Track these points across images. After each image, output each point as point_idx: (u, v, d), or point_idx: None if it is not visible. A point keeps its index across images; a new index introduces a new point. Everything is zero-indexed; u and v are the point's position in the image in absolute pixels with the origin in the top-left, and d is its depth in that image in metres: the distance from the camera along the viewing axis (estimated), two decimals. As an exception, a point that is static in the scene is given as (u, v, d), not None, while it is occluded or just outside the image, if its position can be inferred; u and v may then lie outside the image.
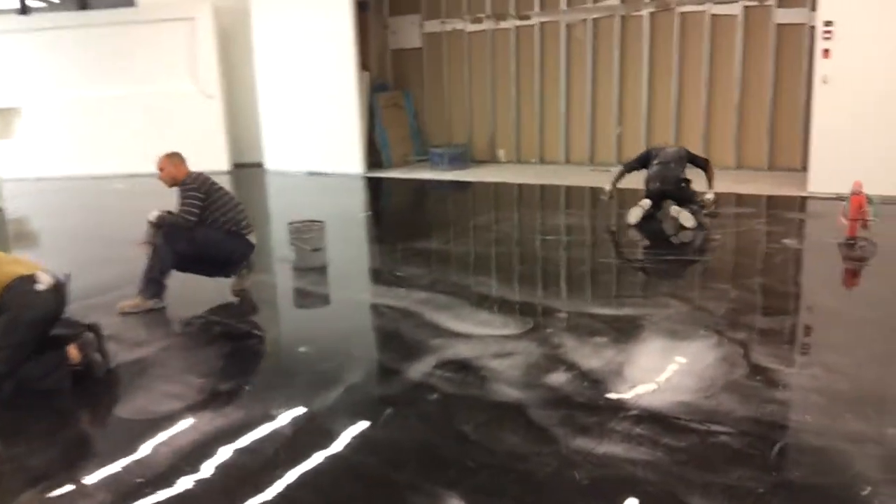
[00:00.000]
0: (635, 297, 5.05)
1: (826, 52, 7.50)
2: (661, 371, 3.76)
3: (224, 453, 3.10)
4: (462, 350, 4.12)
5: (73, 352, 3.86)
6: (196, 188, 5.08)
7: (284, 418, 3.40)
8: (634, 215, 7.00)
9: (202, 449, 3.16)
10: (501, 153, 11.99)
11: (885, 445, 2.90)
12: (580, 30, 10.82)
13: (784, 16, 9.26)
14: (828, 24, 7.44)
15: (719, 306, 4.71)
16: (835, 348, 3.94)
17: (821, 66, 7.60)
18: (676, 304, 4.77)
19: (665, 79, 10.28)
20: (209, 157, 12.14)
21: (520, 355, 4.01)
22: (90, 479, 3.02)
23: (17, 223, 9.65)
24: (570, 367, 3.83)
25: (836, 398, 3.38)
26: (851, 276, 5.59)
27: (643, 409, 3.33)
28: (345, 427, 3.29)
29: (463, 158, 11.54)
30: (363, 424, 3.30)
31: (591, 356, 3.94)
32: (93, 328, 3.99)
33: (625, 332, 4.32)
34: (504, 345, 4.19)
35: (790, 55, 9.30)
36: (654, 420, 3.22)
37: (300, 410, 3.48)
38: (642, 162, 7.44)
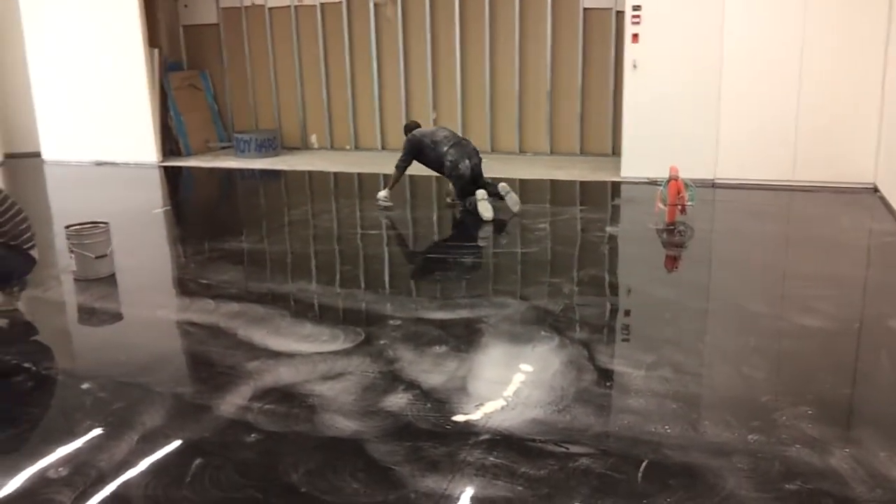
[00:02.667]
0: (469, 296, 4.72)
1: (635, 36, 7.60)
2: (508, 383, 3.44)
3: (-25, 547, 2.37)
4: (284, 374, 3.57)
5: None
6: None
7: (62, 483, 2.69)
8: (486, 208, 6.52)
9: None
10: (314, 139, 11.34)
11: (752, 456, 2.74)
12: (390, 9, 10.38)
13: (590, 0, 9.36)
14: (636, 8, 7.53)
15: (556, 303, 4.50)
16: (677, 345, 3.82)
17: (630, 51, 7.70)
18: (513, 303, 4.50)
19: (477, 64, 10.12)
20: (-31, 147, 10.51)
21: (352, 375, 3.53)
22: None
23: None
24: (410, 385, 3.41)
25: (692, 403, 3.21)
26: (676, 262, 5.62)
27: (494, 431, 2.98)
28: (143, 489, 2.66)
29: (272, 145, 10.76)
30: (166, 483, 2.68)
31: (432, 371, 3.55)
32: None
33: (464, 338, 3.97)
34: (333, 363, 3.68)
35: (598, 40, 9.44)
36: (508, 444, 2.88)
37: (85, 471, 2.77)
38: (415, 153, 7.00)
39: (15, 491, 2.69)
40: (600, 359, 3.67)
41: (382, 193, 7.16)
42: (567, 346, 3.82)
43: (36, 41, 10.63)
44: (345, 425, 3.07)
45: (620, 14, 8.58)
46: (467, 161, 6.77)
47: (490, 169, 8.94)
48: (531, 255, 5.68)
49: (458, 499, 2.55)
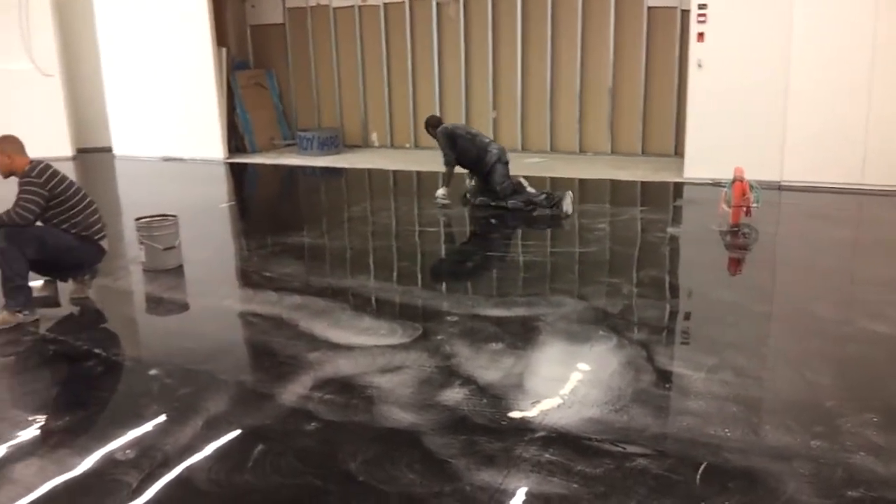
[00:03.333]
0: (526, 294, 4.72)
1: (700, 35, 7.47)
2: (565, 381, 3.43)
3: (50, 521, 2.48)
4: (343, 365, 3.63)
5: None
6: (39, 184, 4.32)
7: (130, 465, 2.80)
8: (569, 204, 6.65)
9: (21, 516, 2.53)
10: (374, 137, 11.47)
11: (814, 461, 2.68)
12: (452, 8, 10.43)
13: None
14: (702, 6, 7.40)
15: (614, 303, 4.46)
16: (739, 348, 3.74)
17: (695, 50, 7.57)
18: (570, 302, 4.48)
19: (539, 62, 10.08)
20: (49, 142, 10.92)
21: (410, 369, 3.57)
22: None
23: None
24: (467, 381, 3.43)
25: (753, 407, 3.15)
26: (740, 265, 5.51)
27: (551, 428, 2.98)
28: (206, 473, 2.74)
29: (334, 143, 10.93)
30: (228, 467, 2.76)
31: (488, 367, 3.56)
32: None
33: (521, 335, 3.97)
34: (391, 357, 3.73)
35: (662, 39, 9.30)
36: (564, 442, 2.88)
37: (151, 453, 2.88)
38: (452, 144, 7.08)
39: (84, 471, 2.81)
40: (659, 360, 3.63)
41: (441, 192, 7.22)
42: (625, 347, 3.79)
43: (109, 41, 11.03)
44: (402, 417, 3.11)
45: (686, 13, 8.44)
46: (504, 157, 6.98)
47: (550, 168, 8.94)
48: (590, 254, 5.64)
49: (513, 494, 2.56)
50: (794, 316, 4.30)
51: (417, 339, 3.96)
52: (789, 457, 2.72)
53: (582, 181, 8.25)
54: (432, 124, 7.37)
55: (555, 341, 3.95)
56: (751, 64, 7.36)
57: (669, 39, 9.22)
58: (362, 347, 3.87)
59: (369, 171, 9.67)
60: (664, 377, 3.45)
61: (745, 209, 5.82)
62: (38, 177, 4.35)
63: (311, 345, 3.90)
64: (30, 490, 2.68)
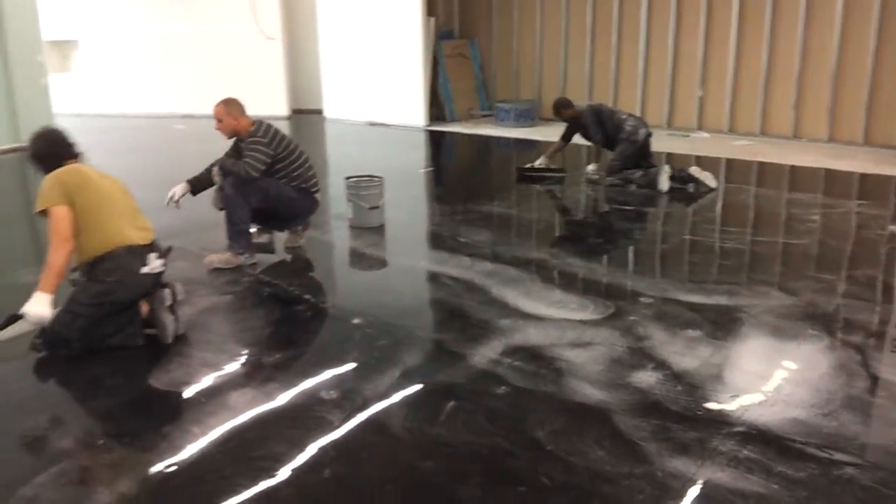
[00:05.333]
0: (729, 282, 4.49)
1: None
2: (768, 378, 3.23)
3: (257, 444, 2.71)
4: (533, 335, 3.66)
5: (143, 307, 3.58)
6: (266, 143, 4.67)
7: (332, 405, 3.00)
8: (665, 181, 6.65)
9: (233, 433, 2.78)
10: (571, 111, 11.31)
11: None
12: (666, -19, 10.01)
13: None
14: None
15: (827, 301, 4.14)
16: (973, 363, 3.35)
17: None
18: (778, 296, 4.21)
19: (755, 40, 9.45)
20: (267, 102, 11.80)
21: (600, 346, 3.53)
22: (103, 457, 2.70)
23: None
24: (661, 365, 3.33)
25: None
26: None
27: (750, 425, 2.83)
28: (401, 420, 2.88)
29: (531, 115, 10.93)
30: (422, 418, 2.88)
31: (684, 353, 3.44)
32: (169, 287, 3.64)
33: (721, 325, 3.79)
34: (581, 332, 3.71)
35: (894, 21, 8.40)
36: (765, 441, 2.72)
37: (352, 396, 3.07)
38: (600, 123, 6.99)
39: (292, 405, 3.04)
40: (876, 366, 3.33)
41: (591, 167, 7.35)
42: (838, 349, 3.51)
43: (327, 8, 11.65)
44: (591, 393, 3.08)
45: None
46: (643, 129, 6.92)
47: (759, 152, 8.41)
48: (798, 246, 5.25)
49: (707, 485, 2.46)
50: None
51: (609, 317, 3.90)
52: None
53: (794, 168, 7.68)
54: (563, 105, 7.27)
55: (758, 335, 3.73)
56: None
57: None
58: (552, 319, 3.87)
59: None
60: (881, 385, 3.16)
61: None
62: (264, 136, 4.69)
63: (502, 311, 3.95)
64: (242, 417, 2.94)
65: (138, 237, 3.59)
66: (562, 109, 7.25)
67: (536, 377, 3.22)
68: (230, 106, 4.73)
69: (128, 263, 3.49)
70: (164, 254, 3.70)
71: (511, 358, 3.40)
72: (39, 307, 3.31)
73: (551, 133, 10.16)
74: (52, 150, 3.70)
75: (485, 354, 3.44)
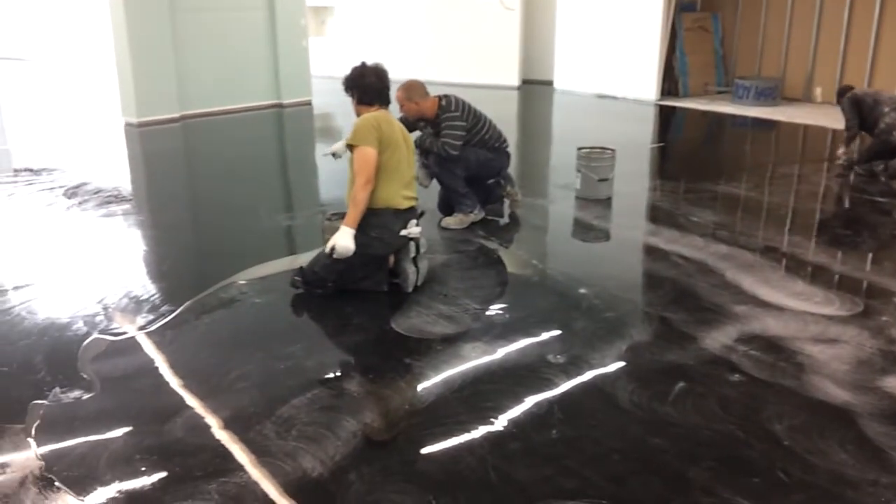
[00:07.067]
0: None
1: None
2: None
3: (489, 395, 2.84)
4: (772, 325, 3.48)
5: (390, 257, 3.89)
6: (458, 116, 4.81)
7: (558, 369, 3.07)
8: None
9: (466, 381, 2.94)
10: (818, 92, 10.45)
11: None
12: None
13: None
14: None
15: None
16: None
17: None
18: None
19: None
20: (500, 72, 12.05)
21: (846, 345, 3.29)
22: (350, 386, 2.96)
23: (322, 118, 10.26)
24: (918, 372, 3.05)
25: None
26: None
27: None
28: (628, 394, 2.89)
29: (772, 94, 10.22)
30: (650, 395, 2.87)
31: (948, 364, 3.12)
32: (412, 240, 3.91)
33: None
34: (826, 327, 3.47)
35: None
36: None
37: (578, 362, 3.12)
38: (856, 111, 6.47)
39: (519, 362, 3.15)
40: None
41: (841, 151, 6.79)
42: None
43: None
44: (835, 393, 2.90)
45: None
46: None
47: None
48: None
49: (969, 508, 2.25)
50: None
51: (857, 314, 3.62)
52: None
53: None
54: (840, 92, 6.78)
55: None
56: None
57: None
58: (793, 311, 3.66)
59: (806, 127, 8.88)
60: None
61: None
62: (456, 110, 4.80)
63: (737, 297, 3.80)
64: (474, 368, 3.09)
65: (406, 203, 3.86)
66: (839, 96, 6.79)
67: (774, 369, 3.08)
68: (410, 91, 4.79)
69: (391, 224, 3.78)
70: (418, 217, 3.94)
71: (747, 346, 3.27)
72: (345, 240, 3.64)
73: (794, 114, 9.48)
74: (380, 86, 3.94)
75: (717, 339, 3.33)
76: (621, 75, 10.91)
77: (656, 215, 5.48)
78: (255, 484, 2.35)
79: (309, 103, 10.75)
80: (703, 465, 2.45)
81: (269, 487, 2.34)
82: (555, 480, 2.39)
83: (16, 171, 6.72)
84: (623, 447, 2.57)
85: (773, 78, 10.59)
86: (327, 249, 3.68)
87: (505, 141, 5.13)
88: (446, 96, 4.88)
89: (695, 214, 5.26)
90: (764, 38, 10.91)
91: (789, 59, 10.67)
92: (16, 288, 4.01)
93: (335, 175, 5.82)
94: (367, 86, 3.91)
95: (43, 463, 2.47)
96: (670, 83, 10.96)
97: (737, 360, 3.14)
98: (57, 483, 2.37)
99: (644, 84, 10.62)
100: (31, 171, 6.77)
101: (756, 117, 9.50)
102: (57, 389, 2.94)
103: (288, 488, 2.33)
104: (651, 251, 4.65)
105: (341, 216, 3.79)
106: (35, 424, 2.70)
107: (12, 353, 3.27)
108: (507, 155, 5.19)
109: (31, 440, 2.60)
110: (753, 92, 10.19)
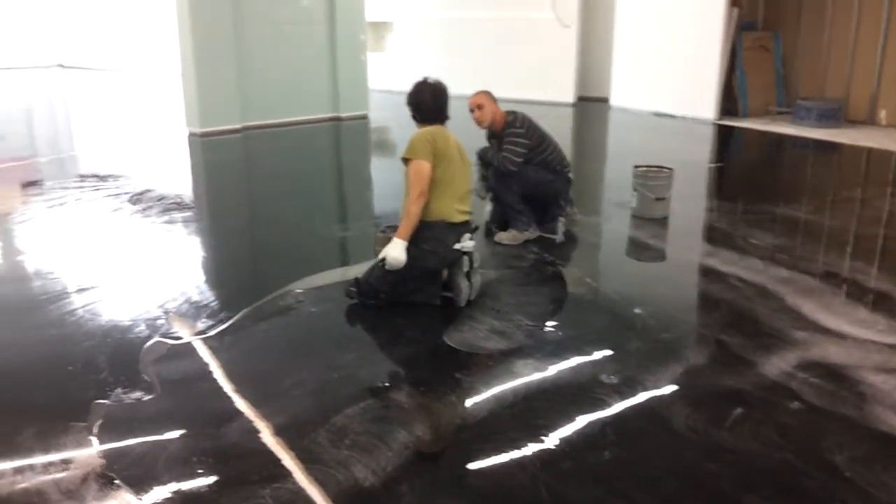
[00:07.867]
0: None
1: None
2: None
3: (540, 413, 2.83)
4: (833, 353, 3.40)
5: (443, 270, 3.92)
6: (522, 133, 4.84)
7: (611, 389, 3.03)
8: None
9: (517, 398, 2.93)
10: (883, 115, 10.18)
11: None
12: None
13: None
14: None
15: None
16: None
17: None
18: None
19: None
20: (555, 88, 12.04)
21: (913, 376, 3.19)
22: (402, 398, 2.99)
23: (378, 132, 10.39)
24: None
25: None
26: None
27: None
28: (683, 417, 2.84)
29: (835, 116, 9.98)
30: (706, 419, 2.82)
31: None
32: (466, 254, 3.93)
33: None
34: (889, 356, 3.37)
35: None
36: None
37: (631, 383, 3.08)
38: None
39: (571, 381, 3.13)
40: None
41: None
42: None
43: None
44: (900, 424, 2.81)
45: None
46: None
47: None
48: None
49: None
50: None
51: (925, 345, 3.50)
52: None
53: None
54: None
55: None
56: None
57: None
58: (856, 339, 3.55)
59: (870, 150, 8.64)
60: None
61: None
62: (520, 127, 4.82)
63: (797, 322, 3.71)
64: (526, 385, 3.08)
65: (460, 217, 3.88)
66: None
67: (835, 398, 3.00)
68: (491, 95, 4.86)
69: (445, 237, 3.80)
70: (472, 231, 3.96)
71: (807, 373, 3.19)
72: (397, 252, 3.68)
73: (858, 137, 9.25)
74: (436, 103, 4.00)
75: (776, 365, 3.26)
76: (679, 94, 10.80)
77: (713, 236, 5.39)
78: (308, 491, 2.38)
79: (366, 117, 10.90)
80: (759, 494, 2.40)
81: (321, 495, 2.36)
82: (606, 502, 2.36)
83: (82, 176, 6.96)
84: (677, 471, 2.53)
85: (836, 99, 10.35)
86: (379, 261, 3.73)
87: (568, 165, 5.13)
88: (514, 112, 4.91)
89: (753, 236, 5.17)
90: (827, 58, 10.68)
91: (853, 80, 10.42)
92: (80, 290, 4.15)
93: (390, 188, 5.89)
94: (421, 104, 3.99)
95: (104, 461, 2.55)
96: (729, 103, 10.80)
97: (796, 388, 3.07)
98: (117, 481, 2.43)
99: (703, 103, 10.48)
100: (98, 177, 7.00)
101: (818, 139, 9.29)
102: (119, 390, 3.03)
103: (340, 497, 2.36)
104: (708, 272, 4.58)
105: (394, 229, 3.83)
106: (97, 423, 2.78)
107: (77, 353, 3.39)
108: (569, 180, 5.17)
109: (93, 438, 2.68)
110: (815, 113, 9.98)
